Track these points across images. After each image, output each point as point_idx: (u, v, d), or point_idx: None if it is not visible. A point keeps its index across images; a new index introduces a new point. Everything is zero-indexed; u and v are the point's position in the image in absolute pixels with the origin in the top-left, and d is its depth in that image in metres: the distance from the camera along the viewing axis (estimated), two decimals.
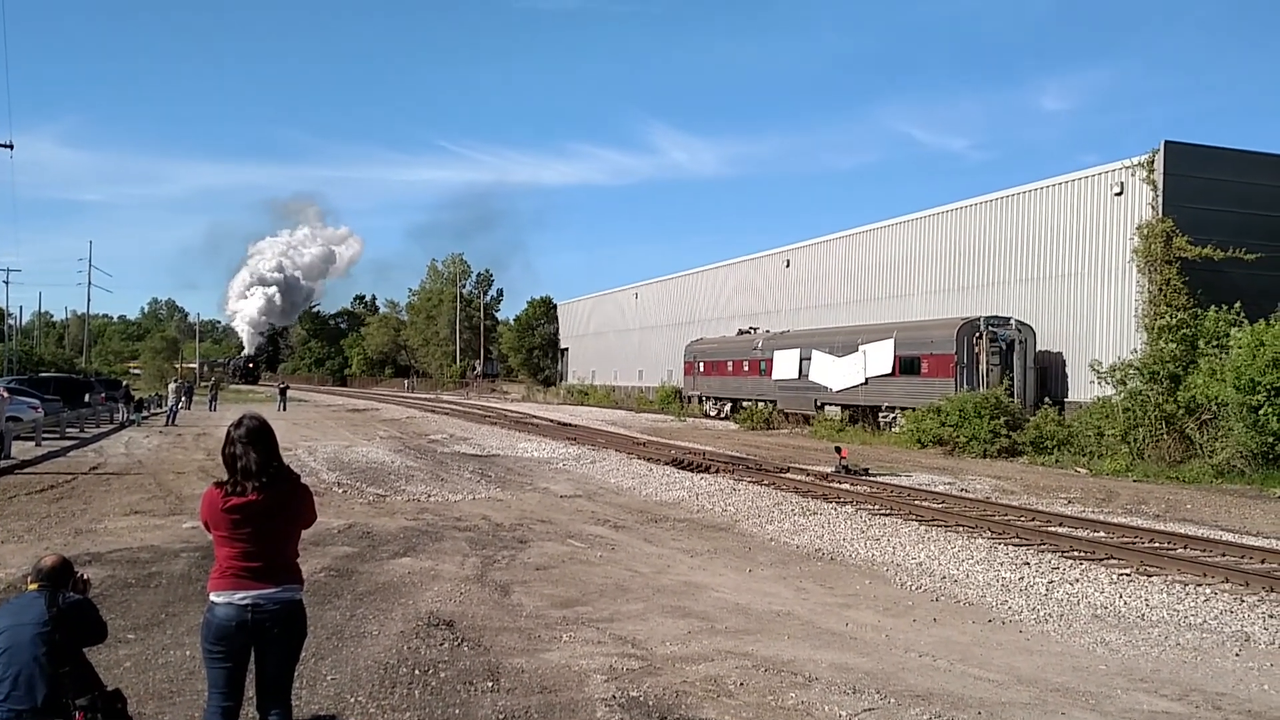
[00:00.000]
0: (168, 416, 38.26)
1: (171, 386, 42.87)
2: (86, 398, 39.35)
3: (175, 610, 8.54)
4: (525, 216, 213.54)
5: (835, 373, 34.67)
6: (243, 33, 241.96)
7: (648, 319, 62.65)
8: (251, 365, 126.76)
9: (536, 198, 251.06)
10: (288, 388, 57.35)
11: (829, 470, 20.56)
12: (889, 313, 37.17)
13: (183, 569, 10.35)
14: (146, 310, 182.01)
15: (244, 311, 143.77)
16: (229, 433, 4.46)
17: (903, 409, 30.87)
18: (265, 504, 4.33)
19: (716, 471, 20.97)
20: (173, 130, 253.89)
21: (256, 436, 4.41)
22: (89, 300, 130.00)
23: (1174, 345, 23.52)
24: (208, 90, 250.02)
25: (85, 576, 4.91)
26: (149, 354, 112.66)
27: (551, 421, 39.37)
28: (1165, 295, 25.59)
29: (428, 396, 75.47)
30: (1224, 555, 12.15)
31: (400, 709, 6.08)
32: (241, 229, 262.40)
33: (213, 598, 4.37)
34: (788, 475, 20.29)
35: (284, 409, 47.83)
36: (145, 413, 41.58)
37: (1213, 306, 23.92)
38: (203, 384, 77.44)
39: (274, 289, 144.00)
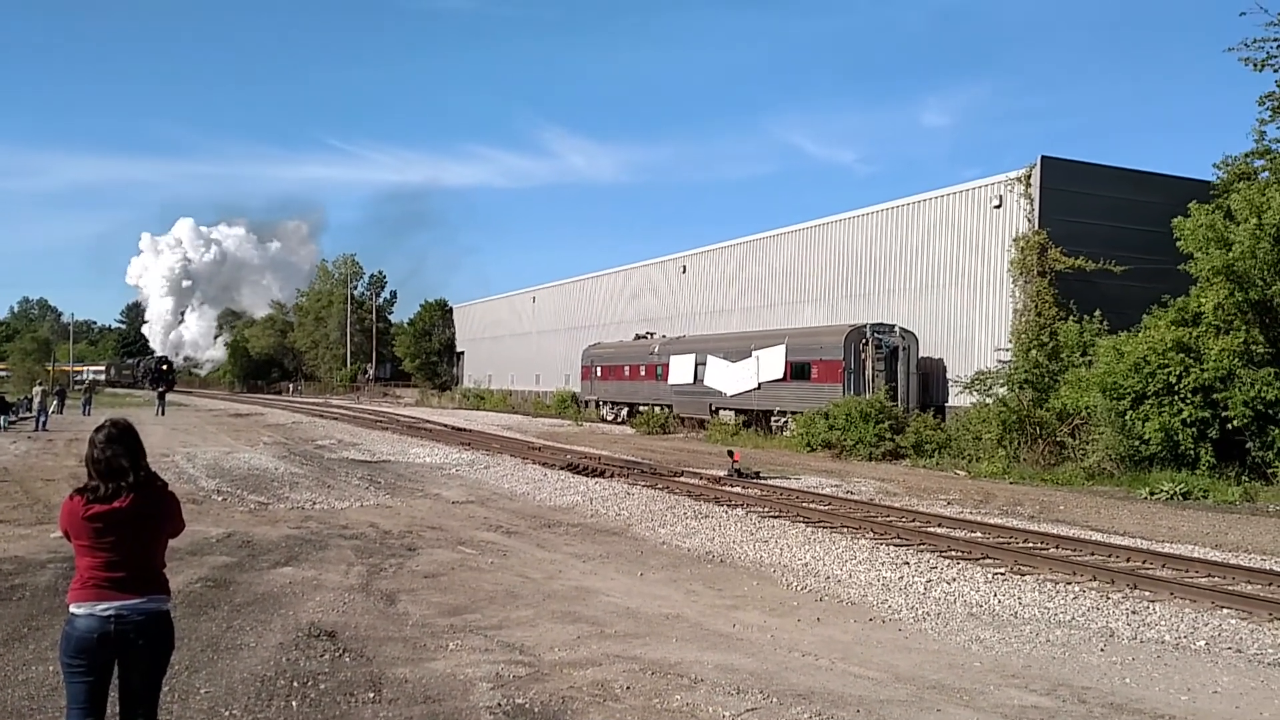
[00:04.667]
0: (36, 421, 36.40)
1: (38, 389, 40.71)
2: None
3: (39, 624, 8.13)
4: (421, 218, 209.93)
5: (729, 378, 35.13)
6: (115, 22, 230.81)
7: (545, 323, 62.41)
8: (166, 367, 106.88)
9: (432, 199, 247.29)
10: (166, 390, 55.19)
11: (722, 474, 20.82)
12: (781, 319, 37.88)
13: (49, 580, 9.86)
14: (16, 310, 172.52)
15: (157, 308, 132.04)
16: (92, 437, 4.28)
17: (794, 413, 31.46)
18: (129, 512, 4.15)
19: (611, 476, 21.01)
20: (44, 123, 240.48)
21: (120, 441, 4.23)
22: None
23: (1040, 355, 24.61)
24: (82, 81, 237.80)
25: None
26: (18, 355, 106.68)
27: (445, 426, 38.84)
28: (1037, 305, 26.72)
29: (316, 401, 73.62)
30: (1093, 554, 12.72)
31: None
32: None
33: (73, 609, 4.17)
34: (681, 479, 20.46)
35: (162, 413, 46.02)
36: (13, 417, 39.48)
37: (1070, 318, 25.14)
38: (76, 386, 73.85)
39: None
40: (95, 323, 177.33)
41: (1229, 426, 20.08)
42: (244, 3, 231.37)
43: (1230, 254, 20.42)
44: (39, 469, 21.48)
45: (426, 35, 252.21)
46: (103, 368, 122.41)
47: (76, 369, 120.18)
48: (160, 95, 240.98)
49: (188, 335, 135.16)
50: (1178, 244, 22.20)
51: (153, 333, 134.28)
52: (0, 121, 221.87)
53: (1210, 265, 20.81)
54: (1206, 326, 21.17)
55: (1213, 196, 24.25)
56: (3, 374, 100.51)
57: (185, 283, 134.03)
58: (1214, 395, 20.15)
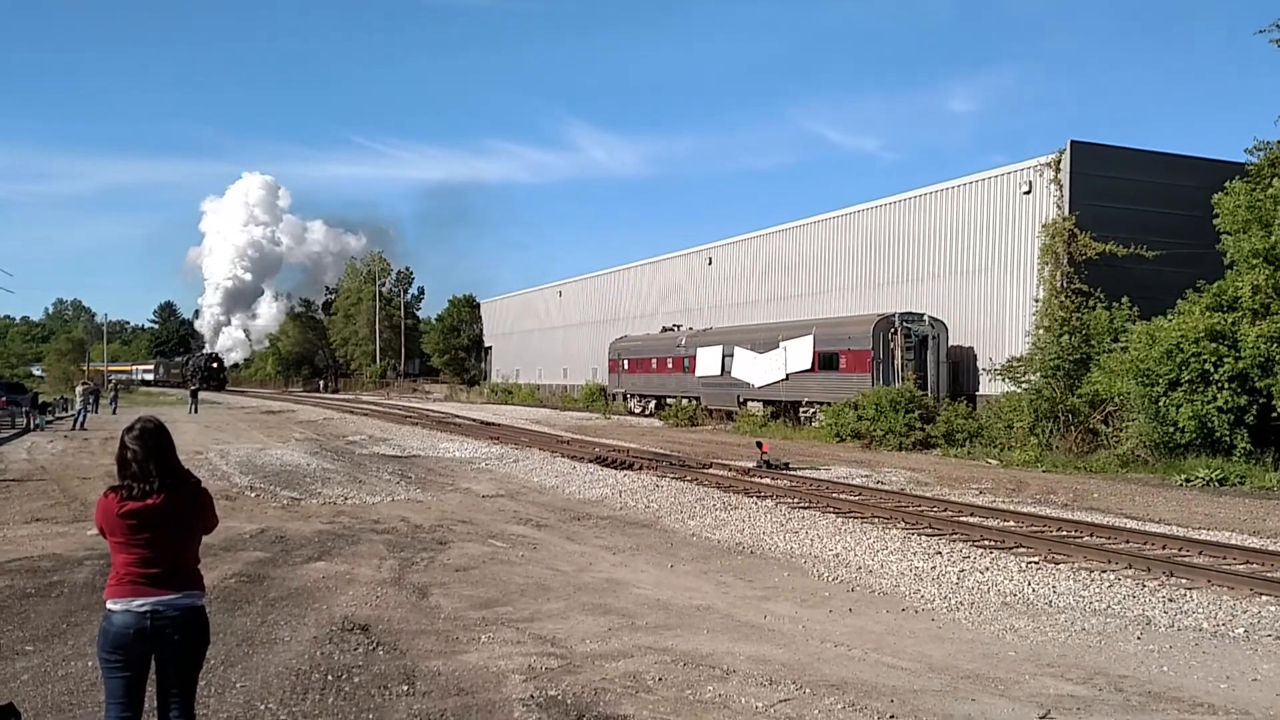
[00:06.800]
0: (75, 420, 36.92)
1: (79, 390, 41.35)
2: None
3: (77, 620, 8.24)
4: (458, 214, 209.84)
5: (757, 369, 35.03)
6: (140, 27, 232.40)
7: (572, 317, 62.48)
8: (216, 365, 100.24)
9: (467, 196, 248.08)
10: (199, 389, 55.75)
11: (750, 465, 20.76)
12: (808, 309, 37.70)
13: (86, 577, 9.98)
14: (51, 311, 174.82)
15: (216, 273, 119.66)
16: (122, 437, 4.32)
17: (822, 404, 31.32)
18: (163, 509, 4.19)
19: (640, 468, 21.01)
20: (74, 126, 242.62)
21: (152, 439, 4.27)
22: None
23: (1071, 340, 24.35)
24: (110, 85, 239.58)
25: None
26: (54, 356, 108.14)
27: (474, 421, 39.02)
28: (1067, 291, 26.44)
29: (346, 397, 74.16)
30: (1127, 542, 12.58)
31: (312, 715, 5.95)
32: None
33: (110, 605, 4.22)
34: (710, 471, 20.43)
35: (195, 411, 46.55)
36: (49, 416, 40.06)
37: (1099, 305, 24.84)
38: (107, 386, 74.77)
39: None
40: (129, 323, 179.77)
41: (1273, 415, 19.74)
42: (265, 5, 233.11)
43: (1271, 235, 20.09)
44: (75, 467, 21.78)
45: (446, 32, 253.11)
46: (151, 367, 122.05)
47: (123, 369, 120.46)
48: (184, 97, 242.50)
49: (256, 324, 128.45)
50: (1215, 222, 21.89)
51: (204, 326, 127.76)
52: (31, 125, 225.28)
53: (1251, 247, 20.49)
54: (1243, 311, 20.83)
55: (1246, 179, 23.88)
56: (39, 374, 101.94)
57: (256, 238, 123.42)
58: (1252, 383, 19.79)
